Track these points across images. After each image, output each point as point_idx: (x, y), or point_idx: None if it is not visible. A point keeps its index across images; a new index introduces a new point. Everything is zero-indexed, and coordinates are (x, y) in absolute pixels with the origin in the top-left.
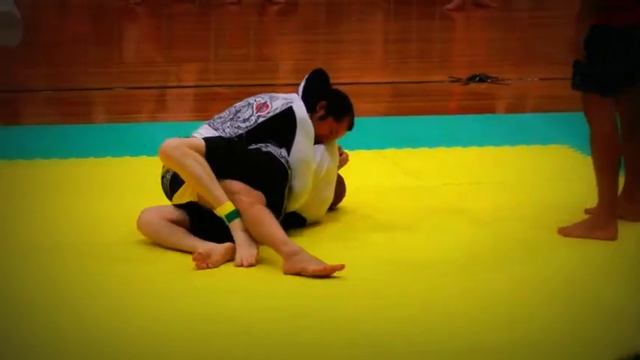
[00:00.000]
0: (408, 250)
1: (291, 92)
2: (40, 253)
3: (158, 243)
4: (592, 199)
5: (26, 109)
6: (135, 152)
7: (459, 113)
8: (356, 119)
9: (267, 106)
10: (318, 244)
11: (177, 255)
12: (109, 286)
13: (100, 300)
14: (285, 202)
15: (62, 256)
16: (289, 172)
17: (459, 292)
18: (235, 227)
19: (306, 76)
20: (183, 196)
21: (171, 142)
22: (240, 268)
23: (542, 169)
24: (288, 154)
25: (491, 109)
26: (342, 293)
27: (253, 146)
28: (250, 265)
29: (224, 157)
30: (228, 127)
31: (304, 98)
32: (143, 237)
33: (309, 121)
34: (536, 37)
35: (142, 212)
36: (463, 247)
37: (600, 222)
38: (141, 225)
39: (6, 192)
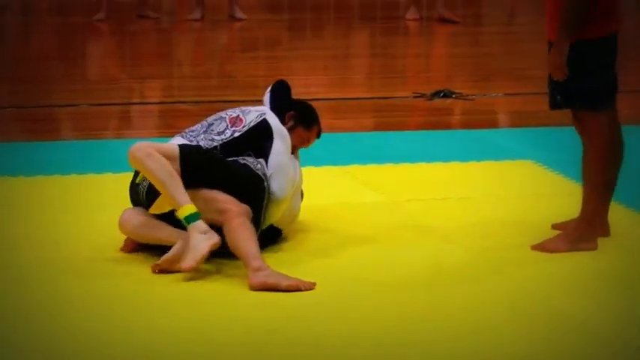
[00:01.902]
0: (372, 266)
1: (253, 106)
2: (6, 270)
3: (138, 240)
4: (558, 214)
5: None
6: (100, 169)
7: (424, 129)
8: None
9: (242, 120)
10: (280, 259)
11: (144, 269)
12: (76, 301)
13: (66, 315)
14: (263, 214)
15: (26, 272)
16: (266, 185)
17: (423, 308)
18: (193, 229)
19: (270, 88)
20: (163, 205)
21: (138, 144)
22: (211, 281)
23: (508, 185)
24: (267, 163)
25: (456, 125)
26: (310, 310)
27: (230, 159)
28: (191, 268)
29: (199, 164)
30: (202, 139)
31: (272, 110)
32: (108, 253)
33: (285, 131)
34: (500, 52)
35: (122, 213)
36: (428, 263)
37: (583, 234)
38: (120, 223)
39: None
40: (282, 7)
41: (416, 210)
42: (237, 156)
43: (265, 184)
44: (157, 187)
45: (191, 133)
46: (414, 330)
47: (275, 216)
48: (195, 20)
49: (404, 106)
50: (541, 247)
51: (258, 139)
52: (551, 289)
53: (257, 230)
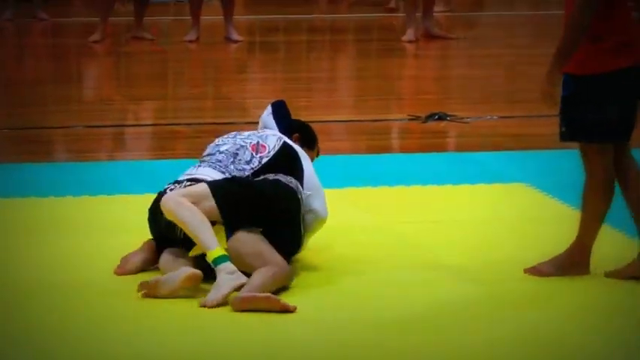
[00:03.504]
0: (364, 287)
1: (252, 130)
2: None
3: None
4: (551, 237)
5: None
6: (94, 191)
7: (418, 151)
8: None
9: (264, 147)
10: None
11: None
12: (68, 323)
13: (57, 337)
14: (303, 227)
15: (17, 294)
16: (300, 197)
17: (415, 328)
18: (221, 271)
19: (270, 109)
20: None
21: (169, 194)
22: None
23: (502, 208)
24: (301, 182)
25: (450, 148)
26: (298, 335)
27: (259, 178)
28: (212, 306)
29: (233, 194)
30: (233, 170)
31: (280, 132)
32: (101, 274)
33: (304, 152)
34: (496, 74)
35: (162, 254)
36: (420, 285)
37: (576, 259)
38: (160, 265)
39: None
40: (278, 30)
41: (409, 232)
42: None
43: (299, 196)
44: (188, 233)
45: (219, 164)
46: (410, 344)
47: (317, 229)
48: (191, 42)
49: (398, 128)
50: (534, 270)
51: (286, 162)
52: (544, 314)
53: (298, 247)
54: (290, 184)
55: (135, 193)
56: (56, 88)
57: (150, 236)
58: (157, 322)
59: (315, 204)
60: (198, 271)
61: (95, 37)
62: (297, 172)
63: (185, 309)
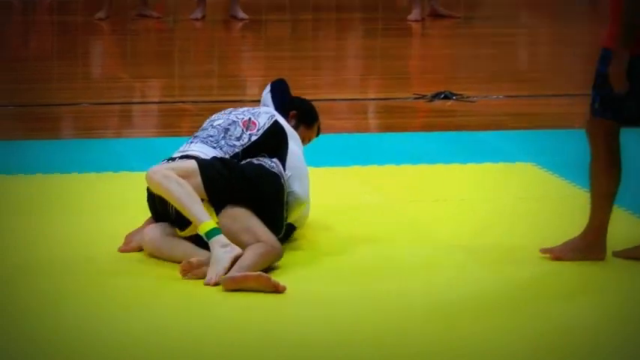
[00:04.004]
0: (366, 265)
1: (250, 107)
2: (3, 265)
3: (161, 259)
4: (557, 216)
5: None
6: (100, 168)
7: (425, 130)
8: (321, 136)
9: (254, 123)
10: (294, 258)
11: (144, 268)
12: (70, 300)
13: (61, 315)
14: (285, 212)
15: (24, 271)
16: (283, 182)
17: (422, 305)
18: (215, 244)
19: (269, 88)
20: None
21: (154, 168)
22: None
23: (508, 187)
24: (284, 165)
25: (456, 127)
26: (311, 313)
27: (245, 161)
28: (216, 284)
29: (220, 174)
30: (223, 145)
31: (276, 110)
32: (107, 251)
33: (295, 132)
34: (502, 54)
35: (145, 230)
36: (428, 262)
37: (592, 243)
38: (145, 242)
39: None
40: (284, 8)
41: (416, 211)
42: (253, 157)
43: (282, 180)
44: (177, 206)
45: (210, 139)
46: (413, 327)
47: (295, 216)
48: (197, 20)
49: (404, 107)
50: (549, 251)
51: (274, 141)
52: (546, 292)
53: (280, 230)
54: (273, 169)
55: (140, 170)
56: (62, 66)
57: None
58: (157, 301)
59: (295, 186)
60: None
61: (101, 14)
62: (282, 152)
63: (183, 287)
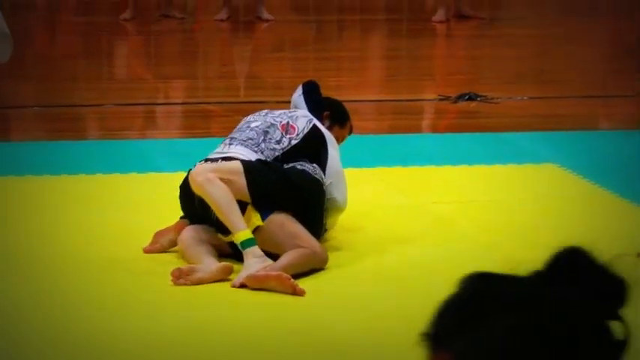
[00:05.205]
0: (396, 267)
1: (283, 109)
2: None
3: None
4: (581, 218)
5: (15, 126)
6: (125, 169)
7: (449, 132)
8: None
9: (293, 127)
10: None
11: (167, 268)
12: (91, 299)
13: (80, 312)
14: (325, 219)
15: (48, 269)
16: (324, 188)
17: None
18: (249, 254)
19: (301, 90)
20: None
21: (199, 168)
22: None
23: (533, 188)
24: (324, 170)
25: (481, 128)
26: (335, 311)
27: (288, 165)
28: (242, 286)
29: (264, 176)
30: (264, 149)
31: (310, 112)
32: (132, 252)
33: (332, 137)
34: (527, 55)
35: (184, 229)
36: (453, 264)
37: None
38: (179, 241)
39: None
40: (308, 8)
41: (441, 213)
42: (295, 162)
43: (323, 187)
44: (216, 211)
45: (250, 141)
46: None
47: (332, 222)
48: (222, 21)
49: (429, 108)
50: None
51: (314, 146)
52: None
53: (320, 236)
54: (315, 175)
55: (166, 171)
56: (87, 66)
57: (181, 214)
58: (180, 302)
59: (336, 193)
60: (230, 265)
61: (126, 15)
62: (322, 158)
63: (208, 289)
